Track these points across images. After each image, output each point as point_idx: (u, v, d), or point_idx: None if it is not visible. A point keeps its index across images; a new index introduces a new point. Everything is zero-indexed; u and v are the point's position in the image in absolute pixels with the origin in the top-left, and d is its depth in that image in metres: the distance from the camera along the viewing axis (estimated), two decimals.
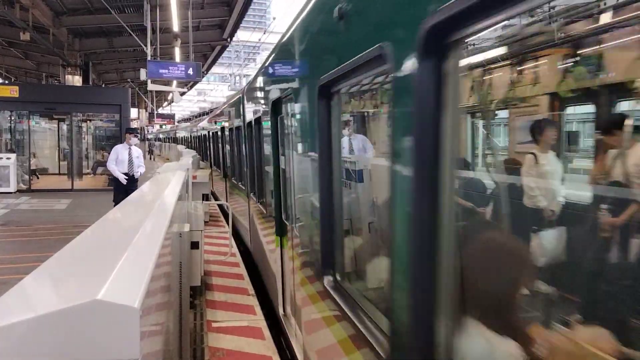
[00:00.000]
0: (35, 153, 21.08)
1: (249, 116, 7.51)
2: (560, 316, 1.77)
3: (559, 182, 2.19)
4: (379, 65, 2.03)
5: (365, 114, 3.21)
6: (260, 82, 6.29)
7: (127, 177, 10.92)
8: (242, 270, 8.05)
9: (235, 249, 8.89)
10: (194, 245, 5.44)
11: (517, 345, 1.61)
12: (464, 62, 1.53)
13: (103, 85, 30.96)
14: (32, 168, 19.99)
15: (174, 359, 3.79)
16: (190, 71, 17.13)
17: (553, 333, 1.71)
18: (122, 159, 11.11)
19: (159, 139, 61.00)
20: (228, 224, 8.40)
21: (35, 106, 19.25)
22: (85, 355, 1.28)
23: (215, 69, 52.48)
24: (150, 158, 40.97)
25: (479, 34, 1.41)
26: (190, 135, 29.05)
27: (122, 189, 10.45)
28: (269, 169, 5.74)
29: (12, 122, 19.93)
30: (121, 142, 11.97)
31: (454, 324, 1.61)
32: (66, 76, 21.86)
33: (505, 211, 2.06)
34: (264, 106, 5.92)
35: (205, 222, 8.72)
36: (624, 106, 1.79)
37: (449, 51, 1.50)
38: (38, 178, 20.35)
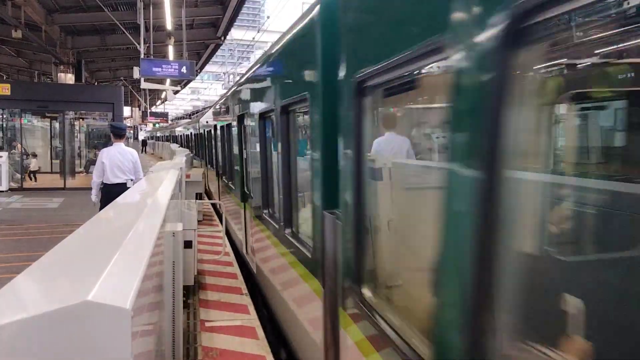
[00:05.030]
0: (35, 153, 20.88)
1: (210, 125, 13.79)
2: None
3: None
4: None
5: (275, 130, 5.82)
6: (222, 105, 10.79)
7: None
8: (235, 269, 8.03)
9: (229, 248, 8.87)
10: (187, 244, 5.41)
11: None
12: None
13: (96, 84, 30.81)
14: (32, 169, 19.87)
15: (167, 359, 3.78)
16: (184, 69, 17.09)
17: None
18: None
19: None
20: (221, 223, 8.40)
21: (27, 104, 19.13)
22: (75, 356, 1.27)
23: (209, 68, 52.39)
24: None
25: None
26: (170, 135, 41.03)
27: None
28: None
29: (3, 120, 19.79)
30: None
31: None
32: (58, 74, 21.73)
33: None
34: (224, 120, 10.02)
35: (198, 221, 8.69)
36: None
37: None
38: (35, 180, 20.13)
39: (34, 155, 20.43)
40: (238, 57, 71.89)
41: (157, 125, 52.07)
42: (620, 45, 1.75)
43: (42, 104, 19.24)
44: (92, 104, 19.94)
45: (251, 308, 6.17)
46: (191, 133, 24.04)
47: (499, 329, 1.37)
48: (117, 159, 8.16)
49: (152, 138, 61.91)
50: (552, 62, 1.75)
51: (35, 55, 25.87)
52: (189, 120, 39.69)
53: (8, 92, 17.99)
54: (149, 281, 1.97)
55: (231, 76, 53.23)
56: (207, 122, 14.93)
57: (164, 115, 48.00)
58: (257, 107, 5.66)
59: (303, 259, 3.78)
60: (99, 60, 27.87)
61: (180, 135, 32.52)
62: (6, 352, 1.24)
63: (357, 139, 2.42)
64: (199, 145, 19.47)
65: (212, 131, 12.94)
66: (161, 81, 23.61)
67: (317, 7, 3.12)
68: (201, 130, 17.73)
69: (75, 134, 21.35)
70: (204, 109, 48.30)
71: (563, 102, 2.07)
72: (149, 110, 44.62)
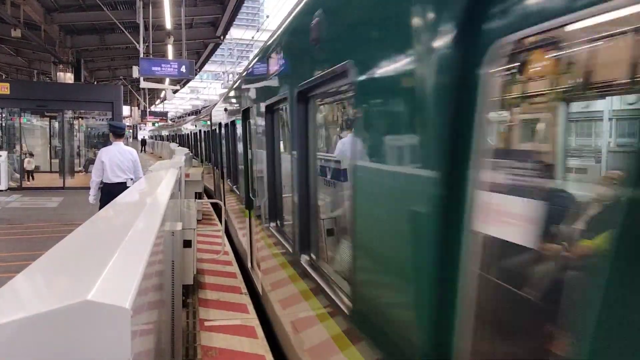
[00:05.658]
0: (32, 152, 20.71)
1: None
2: None
3: None
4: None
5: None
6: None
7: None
8: (235, 268, 8.03)
9: (228, 247, 8.88)
10: (187, 243, 5.42)
11: None
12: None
13: (95, 83, 30.79)
14: (27, 169, 19.78)
15: (166, 358, 3.78)
16: (183, 69, 17.08)
17: None
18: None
19: None
20: (221, 222, 8.40)
21: (26, 103, 19.11)
22: (75, 356, 1.27)
23: (208, 67, 52.35)
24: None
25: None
26: (176, 134, 37.99)
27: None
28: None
29: (2, 119, 19.78)
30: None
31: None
32: (58, 73, 21.71)
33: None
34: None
35: (198, 220, 8.69)
36: None
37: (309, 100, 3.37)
38: (33, 179, 20.03)
39: (31, 155, 20.37)
40: (237, 57, 71.76)
41: (156, 124, 52.03)
42: None
43: (41, 103, 19.22)
44: (91, 103, 19.93)
45: (250, 307, 6.17)
46: (200, 131, 19.02)
47: None
48: (117, 158, 8.15)
49: (154, 137, 60.00)
50: None
51: (34, 55, 25.87)
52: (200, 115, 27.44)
53: (7, 92, 17.99)
54: (148, 280, 1.97)
55: (230, 75, 53.17)
56: (226, 109, 9.57)
57: (163, 115, 47.95)
58: None
59: None
60: (98, 60, 27.86)
61: (187, 134, 26.92)
62: (5, 352, 1.23)
63: None
64: (211, 148, 14.44)
65: (237, 125, 8.01)
66: (160, 80, 23.61)
67: None
68: (214, 127, 12.96)
69: (75, 133, 21.34)
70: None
71: None
72: (148, 110, 44.60)
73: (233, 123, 8.65)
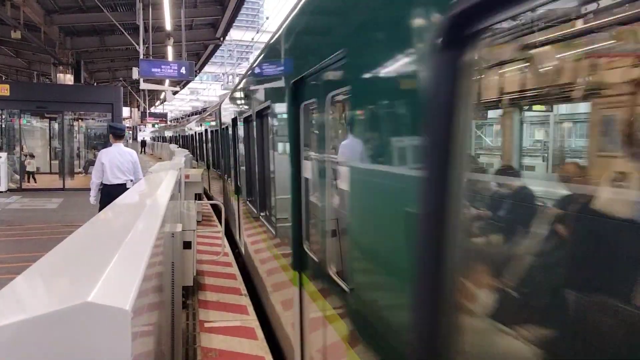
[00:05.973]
0: (32, 154, 20.61)
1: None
2: None
3: None
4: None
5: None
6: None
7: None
8: (234, 270, 8.04)
9: (228, 249, 8.87)
10: (187, 245, 5.41)
11: None
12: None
13: (95, 84, 30.79)
14: (28, 170, 19.73)
15: (166, 359, 3.78)
16: (183, 70, 17.06)
17: None
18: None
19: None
20: (221, 223, 8.40)
21: (26, 105, 19.14)
22: (75, 358, 1.27)
23: (208, 68, 52.33)
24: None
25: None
26: (179, 136, 36.90)
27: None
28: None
29: (2, 120, 19.78)
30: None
31: None
32: (58, 75, 21.70)
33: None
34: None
35: (198, 221, 8.70)
36: None
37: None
38: (35, 182, 19.95)
39: (31, 156, 20.35)
40: (237, 58, 71.75)
41: (156, 125, 51.95)
42: None
43: (41, 105, 19.24)
44: (91, 104, 19.97)
45: (250, 309, 6.18)
46: (206, 131, 16.40)
47: None
48: (117, 159, 8.14)
49: (156, 139, 58.82)
50: None
51: (34, 56, 25.84)
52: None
53: (7, 93, 18.01)
54: (148, 282, 1.98)
55: (230, 77, 53.13)
56: (247, 94, 6.82)
57: (163, 116, 47.89)
58: None
59: None
60: (98, 61, 27.85)
61: (192, 135, 23.97)
62: (6, 353, 1.24)
63: None
64: (221, 153, 12.15)
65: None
66: (160, 82, 23.58)
67: None
68: (224, 125, 10.72)
69: (74, 135, 21.33)
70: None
71: None
72: (148, 111, 44.56)
73: (260, 114, 5.64)
